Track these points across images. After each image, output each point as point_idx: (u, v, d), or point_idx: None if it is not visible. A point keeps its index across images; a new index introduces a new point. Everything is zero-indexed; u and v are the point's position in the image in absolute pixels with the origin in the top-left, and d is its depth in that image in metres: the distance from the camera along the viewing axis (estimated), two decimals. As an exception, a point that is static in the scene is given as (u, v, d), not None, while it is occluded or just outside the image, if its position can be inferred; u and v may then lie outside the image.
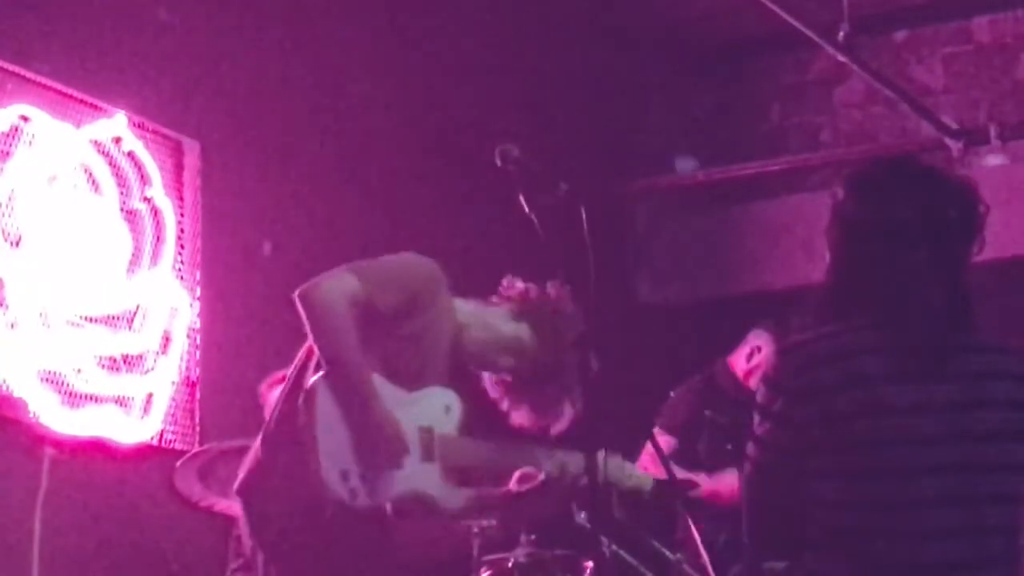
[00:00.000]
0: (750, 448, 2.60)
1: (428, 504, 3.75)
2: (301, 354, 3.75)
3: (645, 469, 4.99)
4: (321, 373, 3.59)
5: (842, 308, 2.59)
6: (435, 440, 3.76)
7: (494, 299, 3.99)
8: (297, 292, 3.62)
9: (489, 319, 3.93)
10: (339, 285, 3.61)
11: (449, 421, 3.82)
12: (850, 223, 2.60)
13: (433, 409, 3.80)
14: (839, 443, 2.49)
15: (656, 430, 5.79)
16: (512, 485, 3.96)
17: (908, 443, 2.47)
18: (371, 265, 3.74)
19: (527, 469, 3.95)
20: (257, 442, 3.69)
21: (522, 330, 3.92)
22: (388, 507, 3.63)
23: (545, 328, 3.90)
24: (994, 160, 7.13)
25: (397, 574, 3.78)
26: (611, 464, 3.81)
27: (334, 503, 3.52)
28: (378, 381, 3.63)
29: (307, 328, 3.61)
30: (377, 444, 3.59)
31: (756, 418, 2.59)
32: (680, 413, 5.84)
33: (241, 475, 3.68)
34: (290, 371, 3.76)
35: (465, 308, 3.92)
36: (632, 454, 5.12)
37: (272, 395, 4.97)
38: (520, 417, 3.97)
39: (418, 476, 3.72)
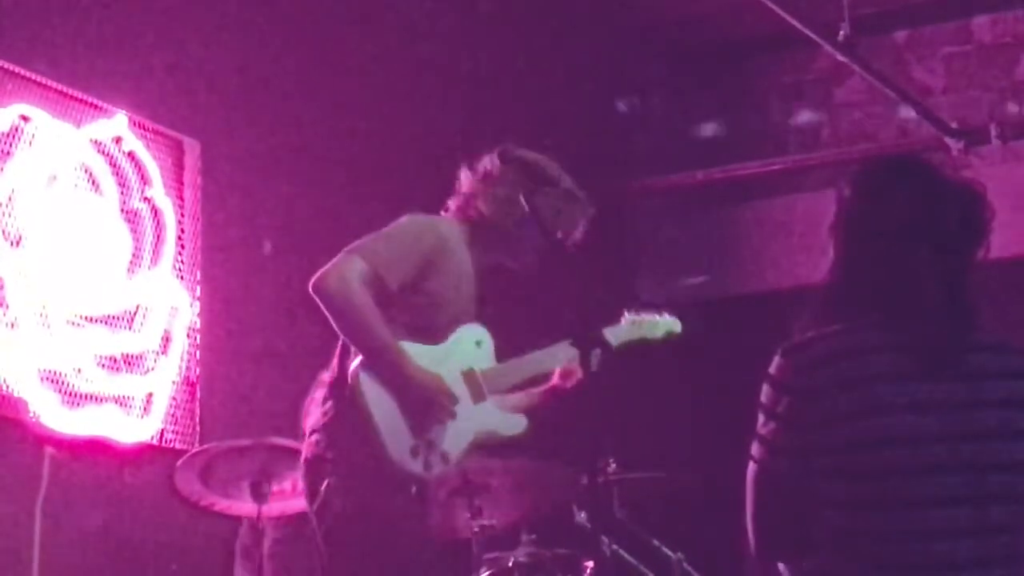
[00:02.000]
0: (754, 448, 2.59)
1: (493, 439, 3.99)
2: (340, 343, 3.85)
3: None
4: (358, 361, 3.71)
5: (845, 307, 2.59)
6: (479, 378, 3.94)
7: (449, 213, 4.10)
8: (311, 284, 3.73)
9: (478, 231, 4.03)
10: (347, 269, 3.73)
11: (484, 353, 4.00)
12: (853, 221, 2.60)
13: (467, 350, 3.95)
14: (842, 443, 2.49)
15: None
16: (557, 381, 4.20)
17: (910, 443, 2.47)
18: (374, 243, 3.83)
19: (567, 365, 4.16)
20: (313, 439, 3.78)
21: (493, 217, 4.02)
22: (454, 459, 3.85)
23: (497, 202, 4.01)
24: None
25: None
26: (636, 324, 4.27)
27: (415, 480, 3.74)
28: (407, 345, 3.75)
29: (328, 317, 3.73)
30: (426, 405, 3.76)
31: (760, 418, 2.59)
32: None
33: (305, 482, 3.78)
34: (333, 362, 3.85)
35: (460, 230, 4.01)
36: (632, 453, 5.13)
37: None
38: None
39: (477, 418, 3.93)
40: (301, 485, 3.84)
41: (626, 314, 4.39)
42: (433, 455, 3.78)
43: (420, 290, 3.85)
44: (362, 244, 3.82)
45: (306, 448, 3.80)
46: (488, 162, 4.06)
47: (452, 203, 4.09)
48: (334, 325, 3.75)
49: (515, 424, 4.08)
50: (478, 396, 3.95)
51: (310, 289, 3.74)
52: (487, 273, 4.07)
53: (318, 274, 3.74)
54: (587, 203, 4.11)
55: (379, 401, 3.71)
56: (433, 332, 3.88)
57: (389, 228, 3.90)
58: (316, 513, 3.75)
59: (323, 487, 3.72)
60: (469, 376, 3.95)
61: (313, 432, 3.79)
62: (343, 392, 3.75)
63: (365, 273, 3.73)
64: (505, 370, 4.05)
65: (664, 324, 4.53)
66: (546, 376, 4.21)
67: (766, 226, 7.83)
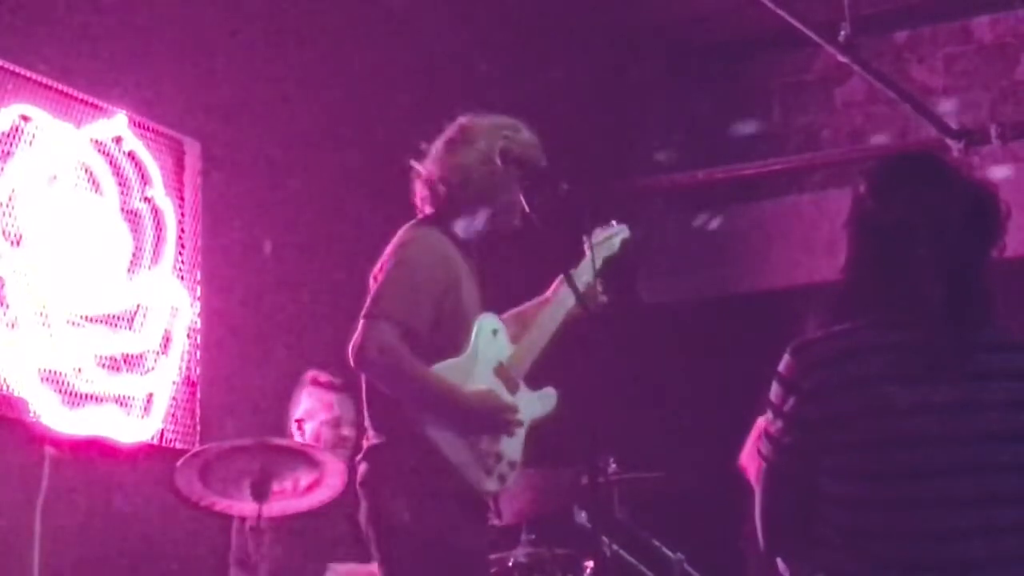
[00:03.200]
0: (763, 446, 2.60)
1: (535, 424, 4.04)
2: None
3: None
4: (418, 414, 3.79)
5: (853, 306, 2.58)
6: (507, 370, 4.00)
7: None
8: (352, 358, 3.80)
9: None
10: (384, 337, 3.77)
11: (501, 340, 4.04)
12: (863, 219, 2.60)
13: (488, 345, 3.99)
14: (848, 443, 2.49)
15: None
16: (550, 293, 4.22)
17: (915, 443, 2.46)
18: (392, 299, 3.84)
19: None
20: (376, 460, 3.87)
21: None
22: (519, 463, 3.96)
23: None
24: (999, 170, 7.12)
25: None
26: (596, 250, 4.19)
27: (491, 497, 3.88)
28: (439, 368, 3.83)
29: (382, 384, 3.82)
30: (496, 428, 3.87)
31: (768, 416, 2.59)
32: None
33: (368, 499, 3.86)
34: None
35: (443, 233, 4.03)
36: (633, 453, 5.13)
37: (308, 395, 5.01)
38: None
39: (521, 412, 3.97)
40: (363, 504, 3.91)
41: (584, 240, 4.28)
42: (503, 467, 3.90)
43: (443, 320, 3.89)
44: (381, 304, 3.83)
45: (368, 465, 3.88)
46: (442, 147, 4.13)
47: (423, 204, 4.10)
48: (385, 389, 3.82)
49: (548, 401, 4.13)
50: (513, 387, 4.01)
51: (352, 363, 3.81)
52: (482, 255, 4.12)
53: (355, 348, 3.79)
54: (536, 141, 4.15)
55: (448, 441, 3.80)
56: (457, 345, 3.93)
57: (395, 274, 3.88)
58: (379, 531, 3.83)
59: (394, 506, 3.80)
60: (500, 371, 4.00)
61: (373, 454, 3.88)
62: (406, 436, 3.80)
63: (400, 334, 3.78)
64: (524, 350, 4.09)
65: (616, 237, 4.46)
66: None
67: (766, 226, 7.82)
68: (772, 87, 8.00)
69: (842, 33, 5.84)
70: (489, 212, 4.04)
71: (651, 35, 7.75)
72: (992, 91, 7.48)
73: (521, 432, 3.97)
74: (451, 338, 3.90)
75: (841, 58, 6.08)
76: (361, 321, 3.82)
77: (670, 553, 5.26)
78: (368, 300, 3.87)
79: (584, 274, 4.12)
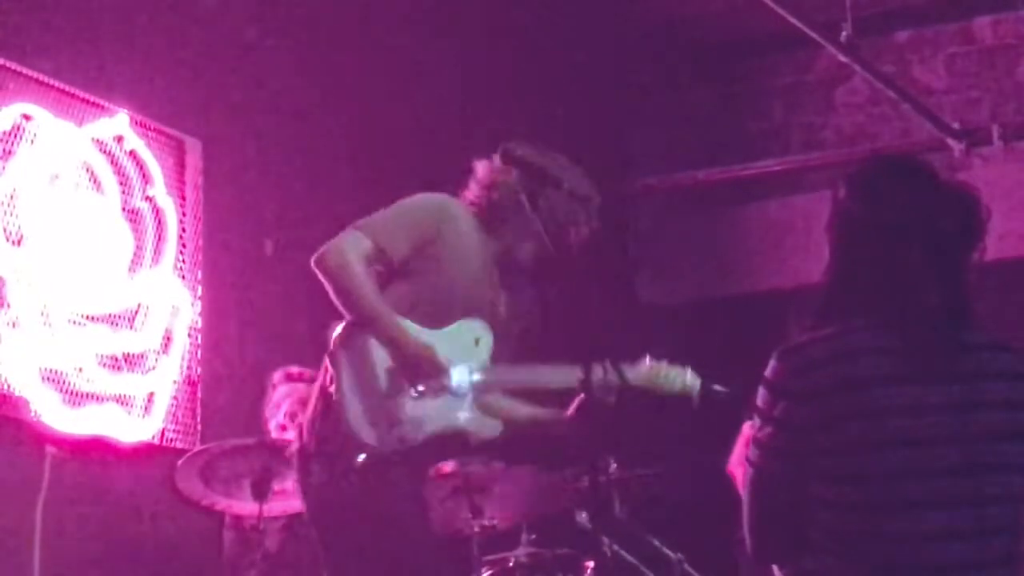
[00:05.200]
0: (751, 452, 2.59)
1: (460, 436, 3.91)
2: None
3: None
4: (339, 329, 3.78)
5: (841, 309, 2.58)
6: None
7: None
8: (313, 258, 3.82)
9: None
10: (348, 245, 3.82)
11: (480, 352, 3.94)
12: (848, 222, 2.60)
13: (464, 345, 3.91)
14: (838, 445, 2.48)
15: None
16: (572, 411, 3.99)
17: (906, 445, 2.46)
18: (379, 217, 3.91)
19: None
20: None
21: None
22: (411, 443, 3.77)
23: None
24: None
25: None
26: (655, 371, 4.14)
27: (366, 449, 3.70)
28: (407, 323, 3.79)
29: (329, 290, 3.81)
30: (417, 370, 3.76)
31: (756, 421, 2.59)
32: None
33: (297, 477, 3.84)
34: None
35: (472, 215, 4.03)
36: (633, 453, 5.13)
37: (279, 391, 4.99)
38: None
39: (451, 412, 3.85)
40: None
41: (648, 359, 4.21)
42: (391, 432, 3.73)
43: (425, 264, 3.87)
44: (366, 219, 3.89)
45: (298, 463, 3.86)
46: (496, 161, 4.03)
47: (466, 191, 4.09)
48: (332, 296, 3.81)
49: (489, 427, 3.97)
50: None
51: (312, 263, 3.82)
52: (500, 259, 4.03)
53: (321, 249, 3.83)
54: (592, 201, 4.05)
55: (350, 369, 3.74)
56: (438, 312, 3.86)
57: (390, 208, 3.94)
58: (305, 506, 3.82)
59: (311, 478, 3.78)
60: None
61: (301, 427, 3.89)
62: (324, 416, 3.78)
63: (368, 248, 3.81)
64: (502, 370, 3.97)
65: (683, 380, 4.31)
66: (544, 392, 4.06)
67: (766, 226, 7.83)
68: (773, 87, 8.01)
69: (843, 33, 5.85)
70: (508, 238, 4.02)
71: (651, 35, 7.76)
72: (993, 92, 7.49)
73: (432, 418, 3.78)
74: (428, 289, 3.87)
75: (842, 58, 6.08)
76: None
77: (670, 553, 5.26)
78: None
79: (629, 374, 4.02)
